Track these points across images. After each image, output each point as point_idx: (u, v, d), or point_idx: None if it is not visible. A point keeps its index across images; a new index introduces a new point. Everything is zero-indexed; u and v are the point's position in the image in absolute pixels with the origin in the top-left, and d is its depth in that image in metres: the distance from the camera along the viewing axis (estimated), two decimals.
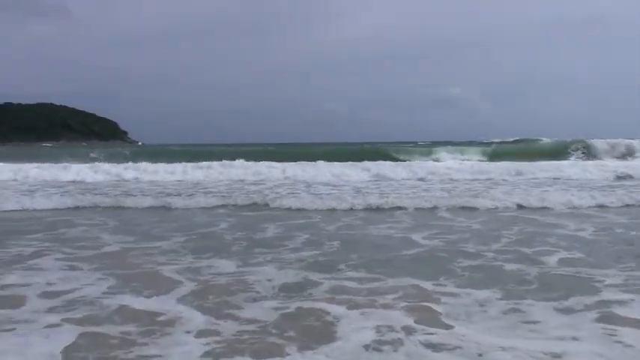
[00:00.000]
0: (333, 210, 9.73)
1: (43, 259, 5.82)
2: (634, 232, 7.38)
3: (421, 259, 5.84)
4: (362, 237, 7.27)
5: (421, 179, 16.99)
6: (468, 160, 24.55)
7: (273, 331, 3.54)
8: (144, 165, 19.67)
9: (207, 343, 3.31)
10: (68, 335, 3.47)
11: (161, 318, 3.80)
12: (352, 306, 4.07)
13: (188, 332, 3.52)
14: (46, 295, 4.42)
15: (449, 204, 10.08)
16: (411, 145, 33.83)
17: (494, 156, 25.72)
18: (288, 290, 4.54)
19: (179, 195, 12.21)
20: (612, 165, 19.44)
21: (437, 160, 24.42)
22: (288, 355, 3.17)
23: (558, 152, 26.16)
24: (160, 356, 3.15)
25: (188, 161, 20.31)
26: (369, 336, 3.44)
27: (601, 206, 9.92)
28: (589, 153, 26.23)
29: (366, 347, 3.28)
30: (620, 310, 3.97)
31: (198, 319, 3.77)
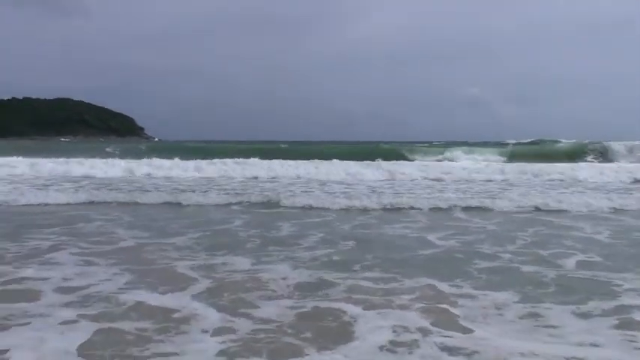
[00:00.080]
0: (347, 209, 9.70)
1: (59, 253, 5.84)
2: None
3: (437, 260, 5.80)
4: (377, 236, 7.23)
5: (436, 179, 16.91)
6: (484, 160, 24.41)
7: (290, 330, 3.51)
8: (159, 161, 19.74)
9: (223, 342, 3.29)
10: (83, 332, 3.45)
11: (176, 315, 3.80)
12: (369, 306, 4.04)
13: (203, 330, 3.51)
14: (61, 290, 4.42)
15: (464, 204, 10.01)
16: (426, 144, 33.68)
17: (511, 157, 25.58)
18: (304, 289, 4.52)
19: (193, 191, 12.24)
20: (629, 167, 19.22)
21: (452, 160, 24.32)
22: (306, 355, 3.14)
23: (575, 154, 25.97)
24: (176, 354, 3.13)
25: (203, 158, 20.38)
26: (386, 337, 3.41)
27: (617, 209, 9.80)
28: (606, 155, 25.98)
29: (383, 348, 3.25)
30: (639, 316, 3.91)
31: (213, 317, 3.76)
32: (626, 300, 4.30)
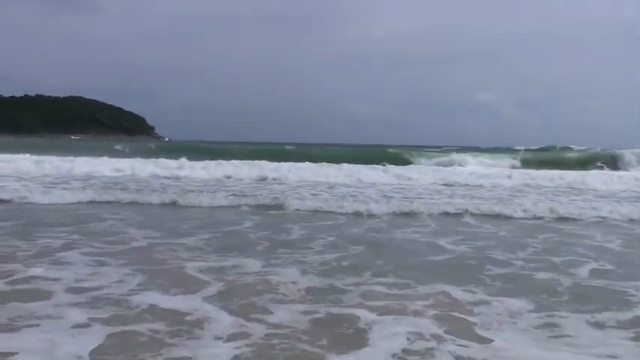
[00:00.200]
0: (357, 212, 9.65)
1: (69, 252, 5.83)
2: None
3: (449, 266, 5.76)
4: (387, 241, 7.20)
5: (445, 184, 16.85)
6: (493, 166, 24.31)
7: (304, 337, 3.47)
8: (167, 162, 19.76)
9: (237, 347, 3.25)
10: (95, 335, 3.41)
11: (189, 318, 3.77)
12: (383, 312, 4.00)
13: (217, 334, 3.47)
14: (72, 290, 4.40)
15: (473, 210, 9.94)
16: (435, 149, 33.61)
17: (521, 163, 25.47)
18: (316, 294, 4.48)
19: (201, 192, 12.24)
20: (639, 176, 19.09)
21: (461, 165, 24.23)
22: None
23: (586, 161, 25.81)
24: (190, 358, 3.10)
25: (211, 159, 20.39)
26: (401, 344, 3.37)
27: (628, 217, 9.71)
28: (616, 163, 25.81)
29: (397, 356, 3.21)
30: None
31: (226, 321, 3.73)
32: None
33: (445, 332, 3.61)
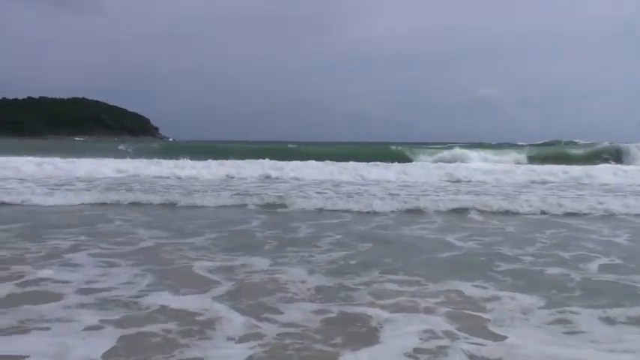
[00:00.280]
0: (363, 210, 9.61)
1: (78, 253, 5.81)
2: None
3: (459, 262, 5.74)
4: (395, 238, 7.18)
5: (450, 181, 16.81)
6: (498, 162, 24.24)
7: (318, 336, 3.44)
8: (171, 162, 19.75)
9: (251, 347, 3.23)
10: (107, 337, 3.38)
11: (200, 318, 3.75)
12: (395, 310, 3.97)
13: (229, 334, 3.45)
14: (82, 291, 4.38)
15: (478, 206, 9.90)
16: (439, 146, 33.51)
17: (526, 158, 25.39)
18: (326, 292, 4.46)
19: (206, 191, 12.23)
20: None
21: (466, 162, 24.16)
22: None
23: (591, 156, 25.74)
24: (202, 359, 3.08)
25: (214, 158, 20.39)
26: (413, 343, 3.34)
27: (635, 212, 9.66)
28: (622, 157, 25.72)
29: (411, 356, 3.18)
30: None
31: (237, 321, 3.70)
32: None
33: (458, 329, 3.58)
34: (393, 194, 12.19)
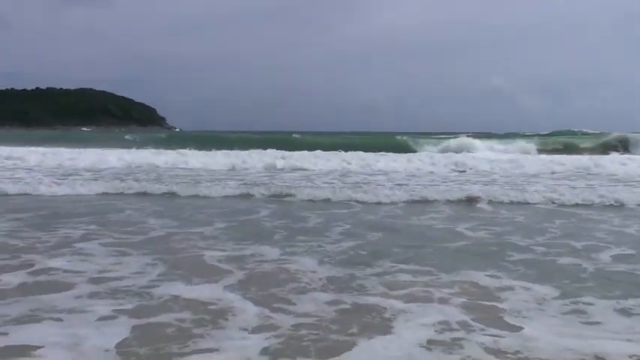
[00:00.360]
0: (371, 200, 9.56)
1: (88, 243, 5.81)
2: None
3: (470, 252, 5.71)
4: (404, 227, 7.15)
5: (458, 170, 16.77)
6: (506, 152, 24.10)
7: (333, 327, 3.42)
8: (179, 151, 19.77)
9: (266, 338, 3.20)
10: (121, 327, 3.36)
11: (213, 307, 3.73)
12: (408, 300, 3.95)
13: (242, 325, 3.43)
14: (94, 281, 4.37)
15: (487, 196, 9.84)
16: (447, 135, 33.34)
17: (535, 148, 25.24)
18: (338, 282, 4.43)
19: (212, 181, 12.22)
20: None
21: (471, 152, 24.02)
22: (356, 353, 3.05)
23: (600, 146, 25.56)
24: (217, 350, 3.05)
25: (218, 149, 20.39)
26: (428, 334, 3.32)
27: None
28: (630, 148, 25.54)
29: (425, 347, 3.16)
30: None
31: (251, 311, 3.68)
32: None
33: (473, 320, 3.55)
34: (401, 184, 12.14)
